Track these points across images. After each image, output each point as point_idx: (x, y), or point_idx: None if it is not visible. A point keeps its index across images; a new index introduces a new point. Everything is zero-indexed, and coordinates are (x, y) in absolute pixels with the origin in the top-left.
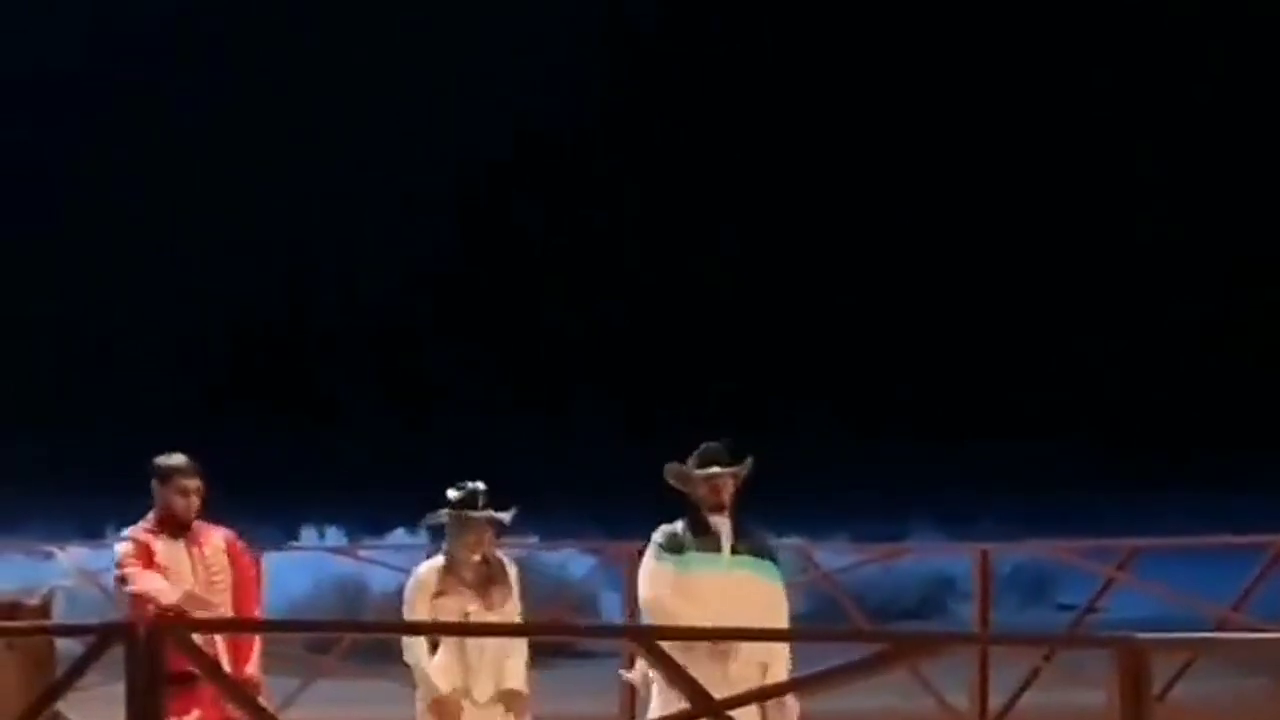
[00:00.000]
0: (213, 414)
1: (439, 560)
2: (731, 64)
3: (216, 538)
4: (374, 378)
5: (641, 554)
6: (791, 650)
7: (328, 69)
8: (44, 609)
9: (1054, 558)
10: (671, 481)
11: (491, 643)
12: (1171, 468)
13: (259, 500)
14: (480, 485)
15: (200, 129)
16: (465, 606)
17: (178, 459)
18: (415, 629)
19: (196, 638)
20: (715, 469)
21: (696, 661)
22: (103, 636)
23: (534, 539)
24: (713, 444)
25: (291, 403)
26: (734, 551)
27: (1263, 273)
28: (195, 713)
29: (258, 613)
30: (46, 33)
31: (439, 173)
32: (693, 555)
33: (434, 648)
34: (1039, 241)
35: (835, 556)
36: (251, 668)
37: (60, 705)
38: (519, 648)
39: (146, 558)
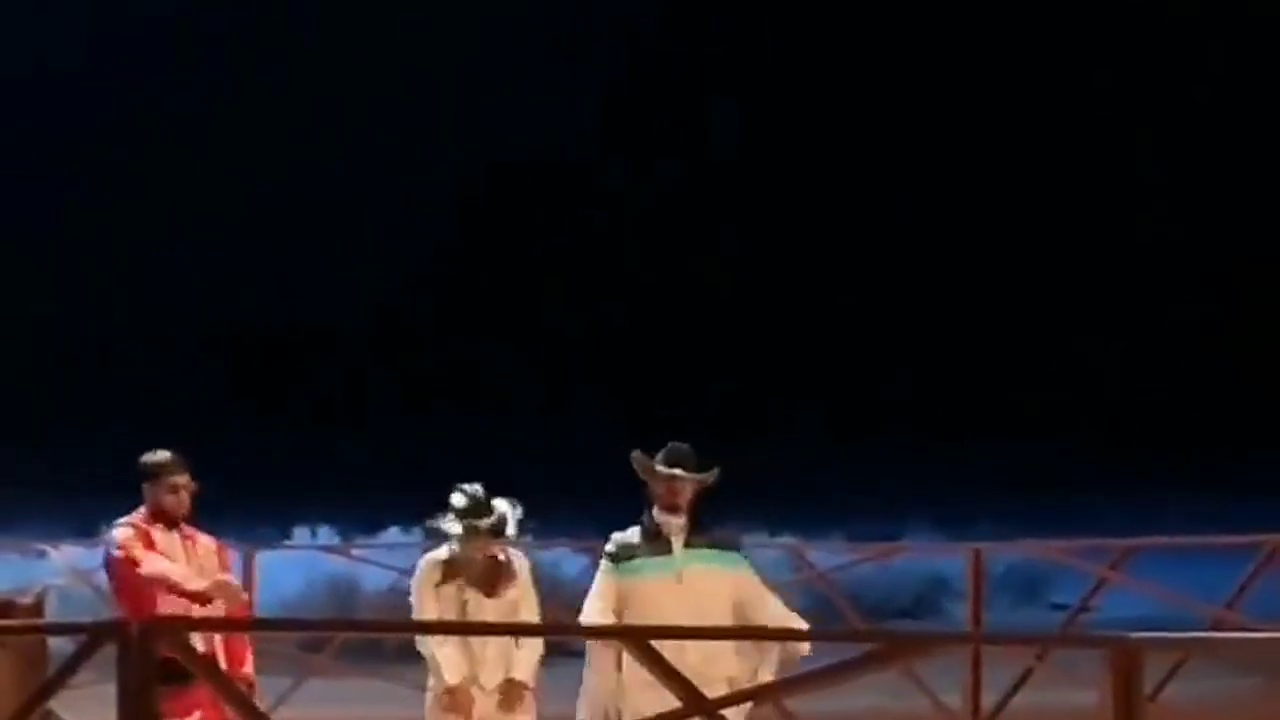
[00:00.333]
0: (207, 413)
1: (443, 551)
2: (731, 64)
3: (205, 539)
4: (371, 377)
5: None
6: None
7: (328, 69)
8: (37, 608)
9: (1047, 557)
10: (635, 469)
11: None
12: (1168, 469)
13: (252, 499)
14: (479, 490)
15: (200, 128)
16: (463, 595)
17: (163, 455)
18: (407, 627)
19: (195, 637)
20: (679, 471)
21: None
22: (95, 635)
23: (527, 537)
24: (682, 445)
25: (286, 402)
26: (690, 546)
27: (1259, 273)
28: (197, 714)
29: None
30: (47, 32)
31: (439, 173)
32: (643, 561)
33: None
34: (1036, 242)
35: (829, 556)
36: (248, 667)
37: (53, 704)
38: (531, 641)
39: (147, 544)
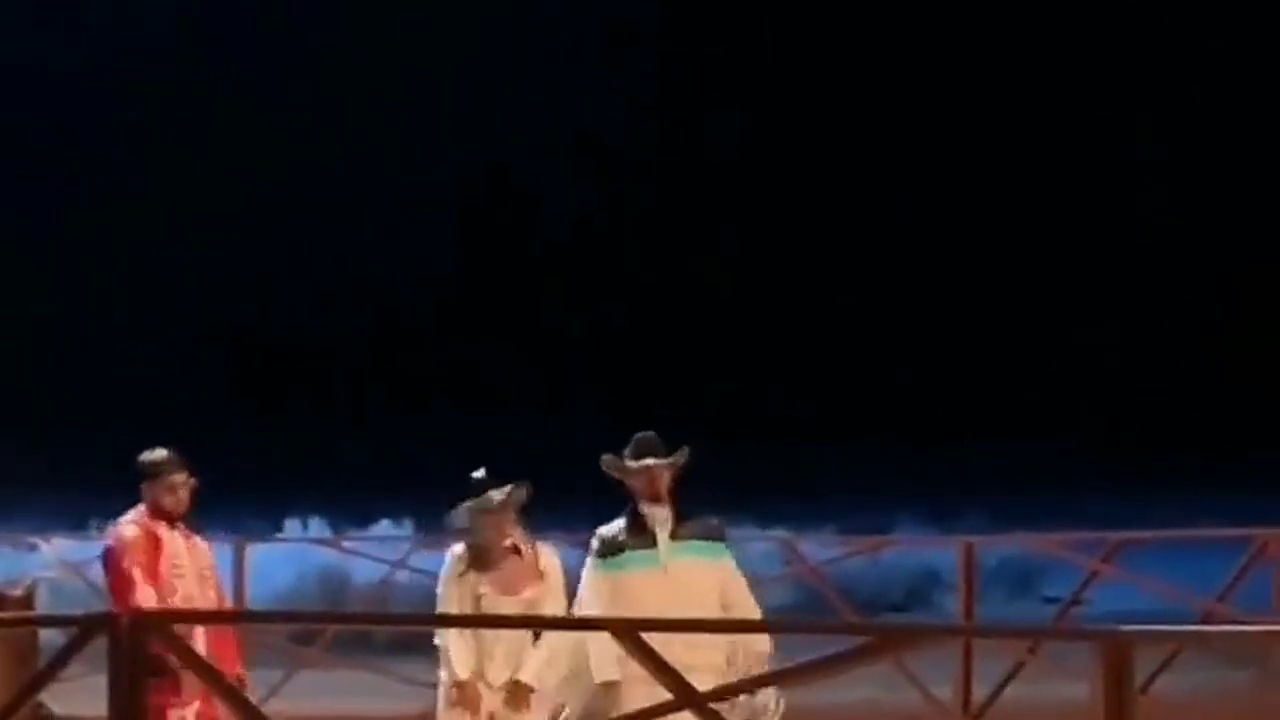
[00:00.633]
0: (202, 408)
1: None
2: (731, 64)
3: (200, 539)
4: (369, 374)
5: None
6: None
7: (328, 70)
8: (27, 600)
9: (1039, 550)
10: (608, 472)
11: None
12: (1163, 468)
13: (243, 492)
14: (482, 474)
15: (201, 128)
16: (479, 588)
17: (161, 454)
18: (398, 620)
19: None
20: (649, 460)
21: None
22: (86, 628)
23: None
24: (646, 434)
25: (280, 397)
26: (676, 538)
27: (1257, 274)
28: (195, 704)
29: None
30: (47, 33)
31: (439, 173)
32: (629, 555)
33: None
34: (1031, 240)
35: (821, 549)
36: (238, 667)
37: (43, 696)
38: (547, 643)
39: (154, 549)
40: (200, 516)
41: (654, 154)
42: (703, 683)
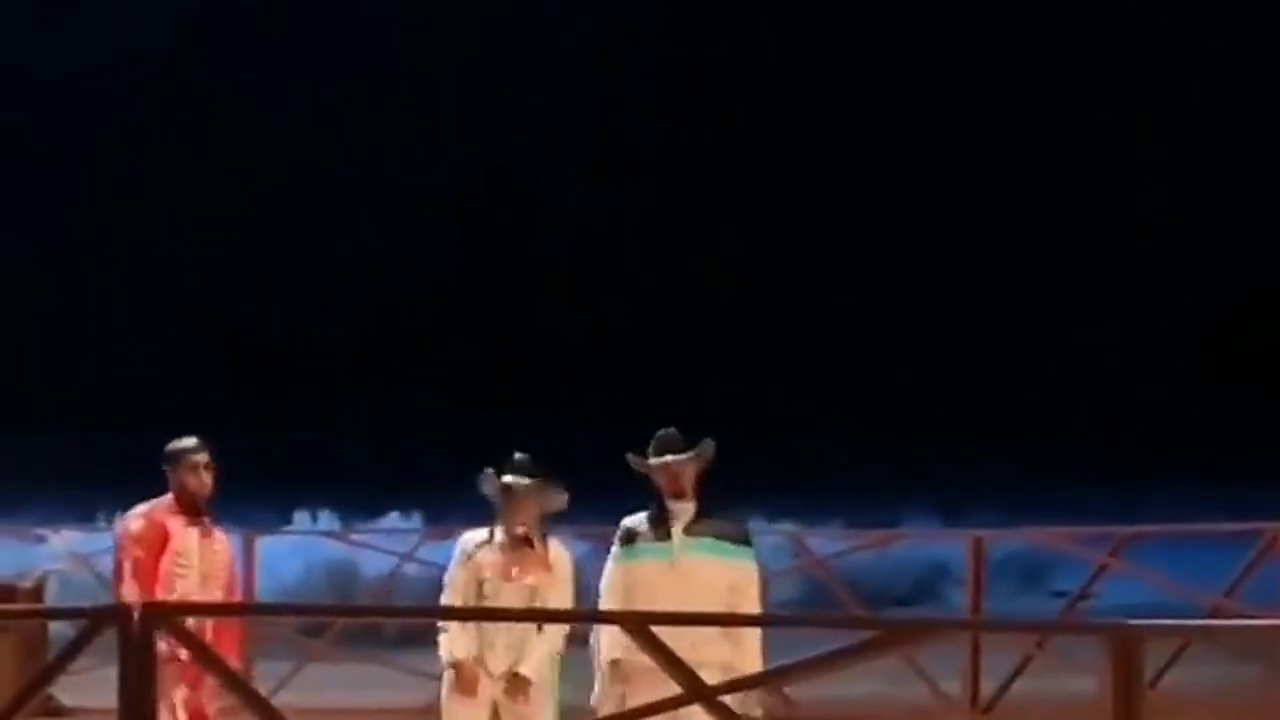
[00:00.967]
0: (209, 400)
1: (482, 531)
2: (731, 64)
3: (223, 535)
4: (374, 368)
5: None
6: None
7: (329, 70)
8: (37, 593)
9: (1047, 544)
10: (634, 469)
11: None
12: (1167, 467)
13: (253, 484)
14: (524, 456)
15: (201, 128)
16: (481, 573)
17: (188, 439)
18: (406, 613)
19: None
20: (669, 457)
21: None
22: (96, 620)
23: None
24: (667, 431)
25: (288, 389)
26: (691, 533)
27: (1259, 274)
28: (181, 692)
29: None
30: (48, 34)
31: (439, 173)
32: (642, 546)
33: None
34: (1034, 242)
35: (828, 543)
36: (238, 661)
37: (52, 688)
38: (550, 636)
39: (160, 540)
40: (210, 509)
41: (654, 154)
42: (709, 679)
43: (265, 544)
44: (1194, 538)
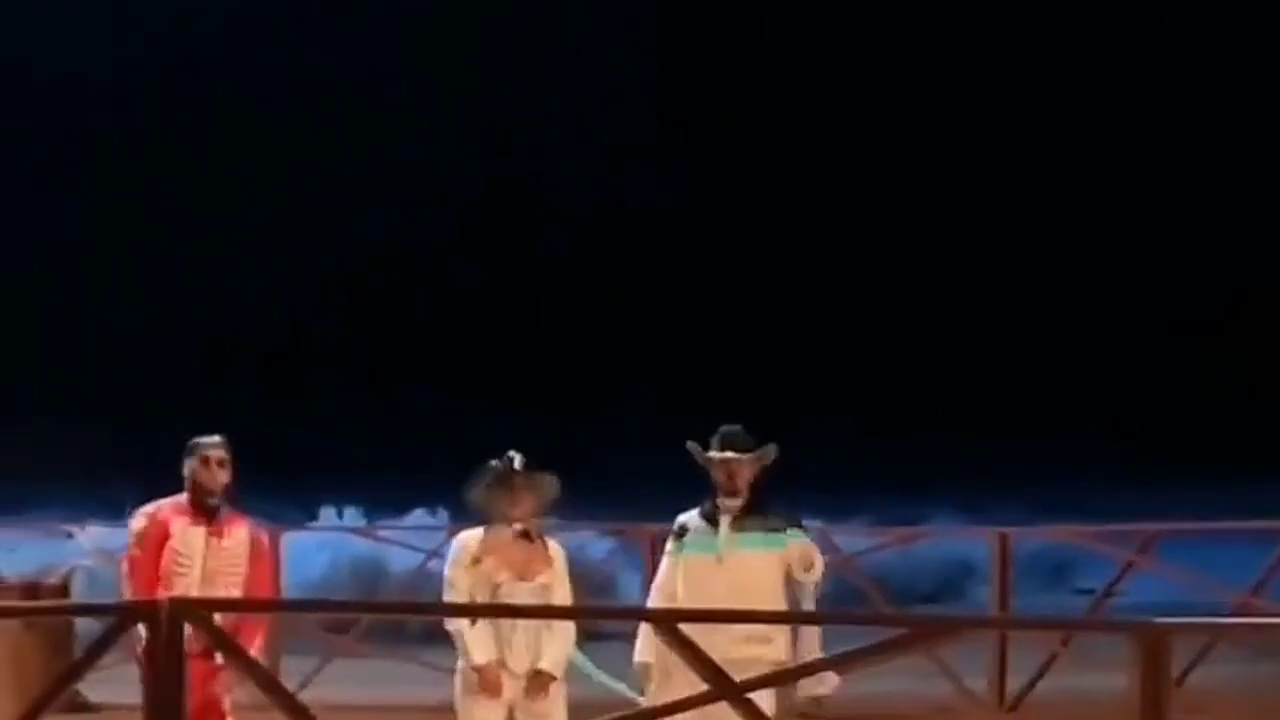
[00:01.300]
0: (235, 395)
1: (478, 532)
2: (734, 64)
3: (241, 530)
4: (400, 362)
5: (658, 537)
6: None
7: (330, 71)
8: (63, 588)
9: (1073, 542)
10: (694, 458)
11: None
12: (1194, 463)
13: (278, 480)
14: (515, 454)
15: (204, 130)
16: (497, 576)
17: (208, 436)
18: (433, 610)
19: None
20: (729, 454)
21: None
22: (124, 617)
23: (552, 520)
24: (732, 427)
25: (313, 385)
26: (740, 529)
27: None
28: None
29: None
30: (48, 35)
31: (439, 172)
32: (691, 540)
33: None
34: (1065, 236)
35: (854, 540)
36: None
37: (79, 684)
38: (562, 630)
39: (160, 538)
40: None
41: (654, 154)
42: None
43: (291, 540)
44: (1219, 535)
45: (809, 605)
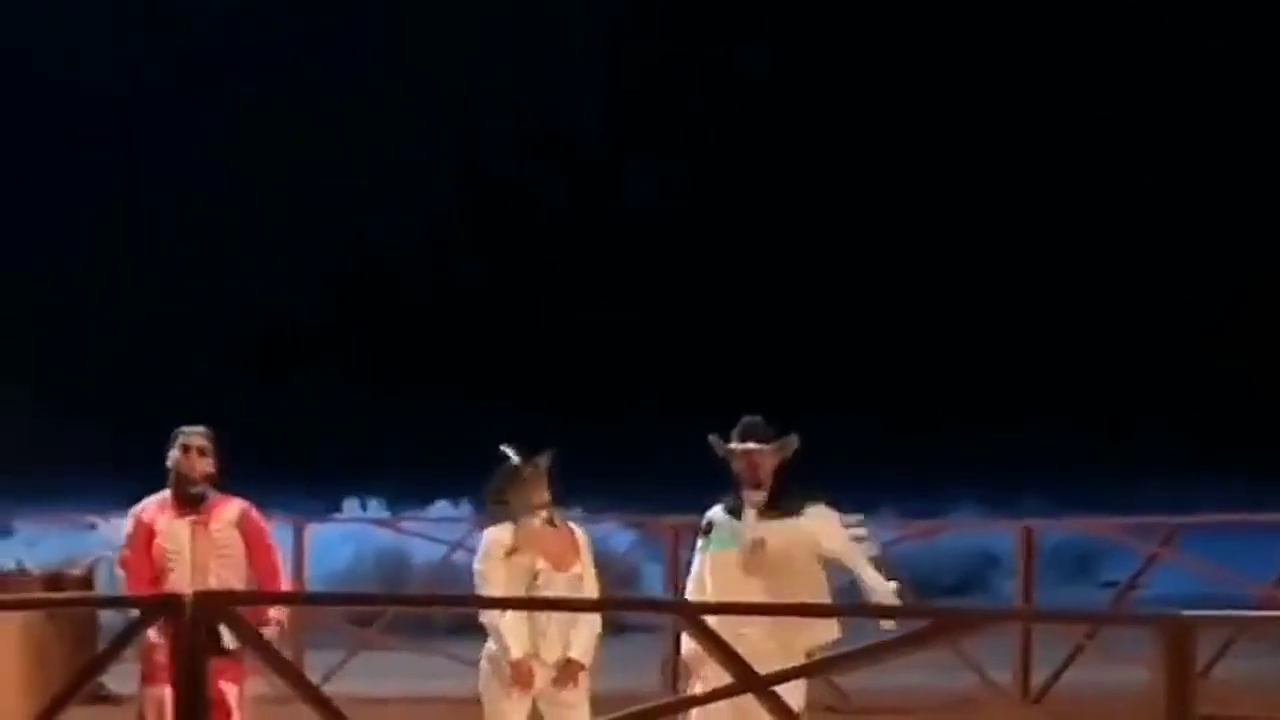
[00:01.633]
0: (259, 389)
1: (508, 527)
2: (733, 65)
3: (229, 512)
4: (420, 356)
5: (680, 529)
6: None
7: (330, 71)
8: (86, 580)
9: (1097, 535)
10: (715, 452)
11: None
12: (1219, 456)
13: (302, 472)
14: (507, 447)
15: (206, 130)
16: (535, 565)
17: (191, 426)
18: (457, 602)
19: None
20: (750, 445)
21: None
22: (149, 610)
23: (577, 511)
24: (753, 418)
25: (335, 377)
26: (765, 519)
27: None
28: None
29: (281, 579)
30: (49, 36)
31: (441, 173)
32: (717, 535)
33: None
34: (1091, 229)
35: (878, 533)
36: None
37: (103, 676)
38: (589, 619)
39: (146, 537)
40: (259, 496)
41: (653, 154)
42: (776, 667)
43: (315, 532)
44: (1243, 528)
45: (863, 569)
